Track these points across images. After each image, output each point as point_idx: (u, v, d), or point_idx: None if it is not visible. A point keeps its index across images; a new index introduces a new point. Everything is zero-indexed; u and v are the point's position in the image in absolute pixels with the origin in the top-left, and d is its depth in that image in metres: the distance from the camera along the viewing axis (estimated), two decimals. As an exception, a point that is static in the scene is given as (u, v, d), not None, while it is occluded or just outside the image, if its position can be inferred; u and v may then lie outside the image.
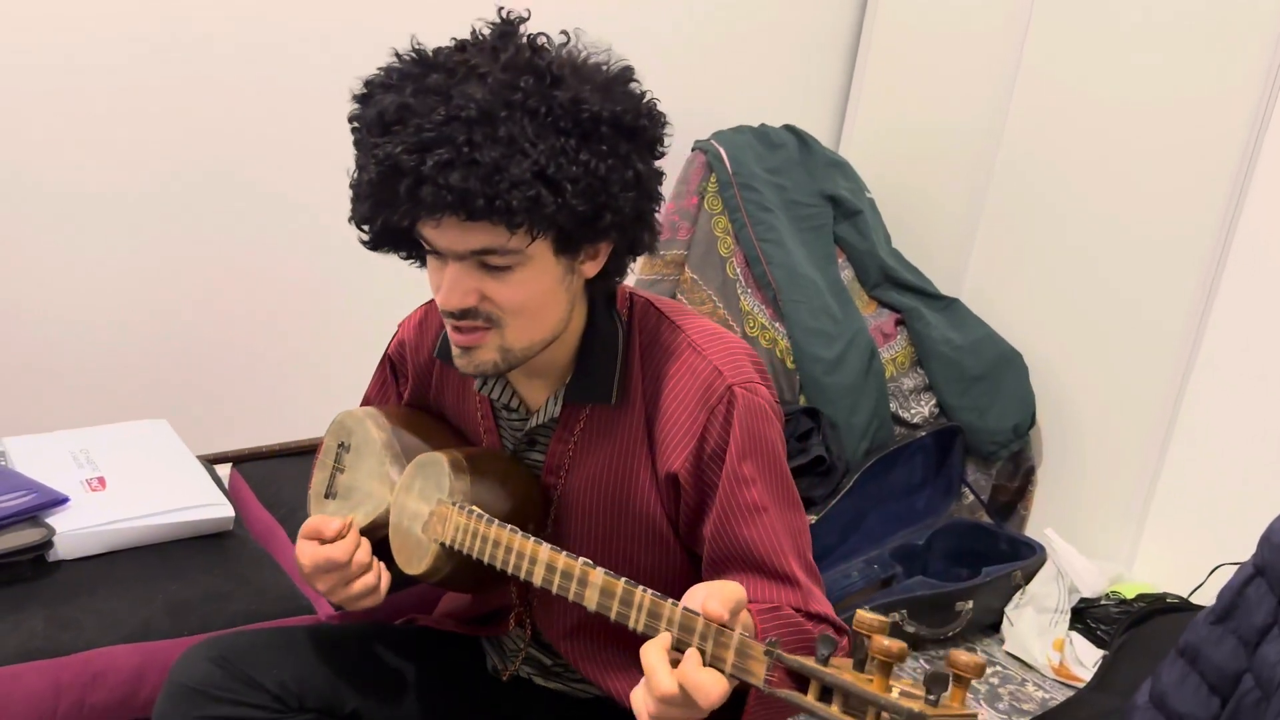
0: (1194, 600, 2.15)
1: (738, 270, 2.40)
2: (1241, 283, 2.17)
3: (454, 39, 1.06)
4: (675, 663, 0.90)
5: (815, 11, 2.80)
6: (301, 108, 2.16)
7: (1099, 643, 2.22)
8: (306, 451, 1.96)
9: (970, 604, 2.26)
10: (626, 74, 1.06)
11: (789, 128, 2.64)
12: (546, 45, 1.05)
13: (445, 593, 1.49)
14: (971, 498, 2.52)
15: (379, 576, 1.16)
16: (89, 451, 1.67)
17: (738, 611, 0.91)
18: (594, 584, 0.99)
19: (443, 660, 1.34)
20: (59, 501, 1.50)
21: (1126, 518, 2.37)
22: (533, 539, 1.05)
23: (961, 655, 0.76)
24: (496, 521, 1.08)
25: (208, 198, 2.12)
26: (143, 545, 1.53)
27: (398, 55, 1.05)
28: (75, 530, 1.47)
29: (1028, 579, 2.35)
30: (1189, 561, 2.19)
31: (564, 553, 1.02)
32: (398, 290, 2.36)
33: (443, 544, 1.12)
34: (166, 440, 1.78)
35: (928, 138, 2.72)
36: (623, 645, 1.22)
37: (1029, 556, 2.37)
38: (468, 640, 1.38)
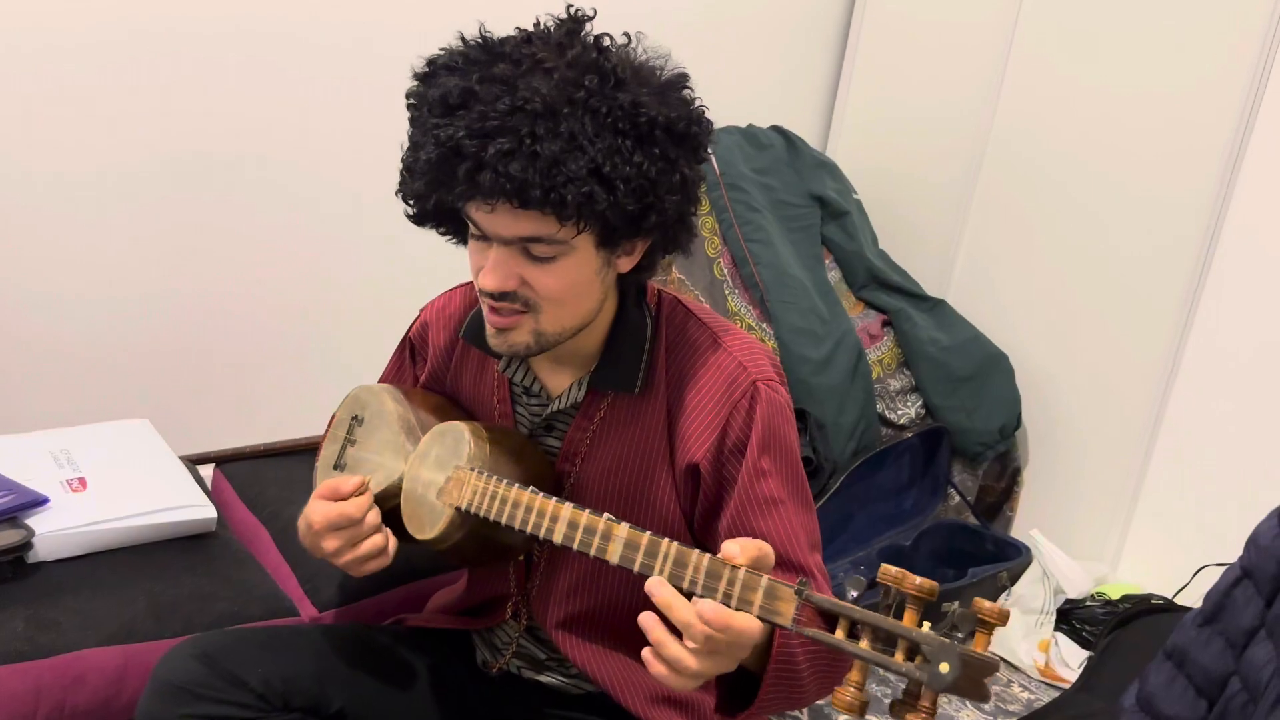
0: (1179, 601, 2.16)
1: (725, 271, 2.40)
2: (1227, 285, 2.18)
3: (518, 29, 1.08)
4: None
5: (803, 12, 2.80)
6: (291, 104, 2.14)
7: (1084, 644, 2.23)
8: (289, 452, 1.94)
9: (956, 605, 2.26)
10: (681, 80, 1.10)
11: (776, 128, 2.64)
12: (610, 46, 1.07)
13: (434, 591, 1.48)
14: (958, 499, 2.52)
15: (387, 539, 1.17)
16: (69, 451, 1.65)
17: (766, 566, 0.94)
18: (618, 537, 1.01)
19: (430, 658, 1.34)
20: (39, 502, 1.48)
21: (1112, 519, 2.38)
22: (554, 499, 1.07)
23: (985, 603, 0.80)
24: (517, 484, 1.10)
25: (190, 196, 2.10)
26: (124, 546, 1.51)
27: (463, 40, 1.08)
28: (55, 531, 1.45)
29: (1013, 580, 2.35)
30: (1174, 563, 2.20)
31: (586, 510, 1.05)
32: (384, 292, 2.36)
33: (458, 508, 1.13)
34: (148, 440, 1.76)
35: (915, 140, 2.72)
36: (617, 638, 1.23)
37: (1015, 557, 2.38)
38: (456, 636, 1.37)
